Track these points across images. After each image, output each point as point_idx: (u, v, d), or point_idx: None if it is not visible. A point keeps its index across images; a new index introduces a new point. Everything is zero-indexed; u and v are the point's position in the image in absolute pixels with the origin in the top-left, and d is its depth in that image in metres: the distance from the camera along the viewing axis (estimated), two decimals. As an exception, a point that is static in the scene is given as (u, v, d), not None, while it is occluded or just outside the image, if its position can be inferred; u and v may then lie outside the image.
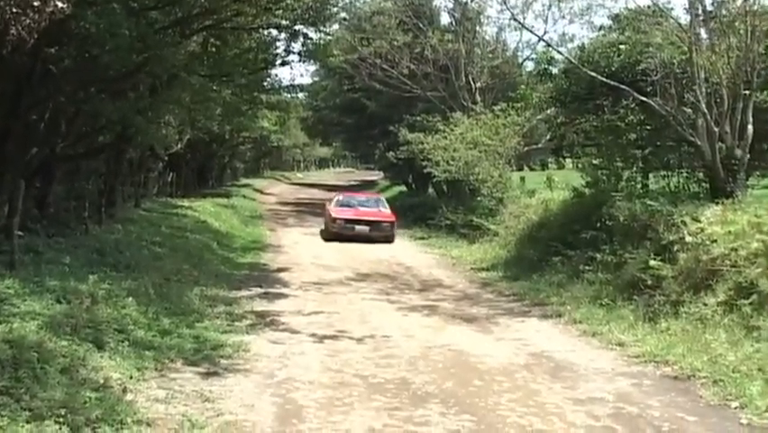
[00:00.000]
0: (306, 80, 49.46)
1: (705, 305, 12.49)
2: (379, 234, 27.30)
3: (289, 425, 8.16)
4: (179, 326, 11.77)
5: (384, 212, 29.11)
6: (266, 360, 10.67)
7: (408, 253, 24.53)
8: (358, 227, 27.15)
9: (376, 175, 70.73)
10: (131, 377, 9.10)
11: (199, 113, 25.58)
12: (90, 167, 22.13)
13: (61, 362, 8.66)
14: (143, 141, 23.04)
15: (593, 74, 18.13)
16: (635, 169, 19.17)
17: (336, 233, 27.21)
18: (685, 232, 14.05)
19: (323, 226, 29.59)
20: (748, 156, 16.05)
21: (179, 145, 30.50)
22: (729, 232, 13.39)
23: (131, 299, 12.13)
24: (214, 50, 18.34)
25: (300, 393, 9.25)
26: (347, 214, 28.06)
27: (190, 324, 12.04)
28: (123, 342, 10.11)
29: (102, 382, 8.61)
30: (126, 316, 11.29)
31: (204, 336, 11.50)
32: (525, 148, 29.14)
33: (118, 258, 15.64)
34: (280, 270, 19.37)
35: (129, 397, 8.47)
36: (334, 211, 28.57)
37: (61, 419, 7.18)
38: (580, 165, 23.06)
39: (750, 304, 11.72)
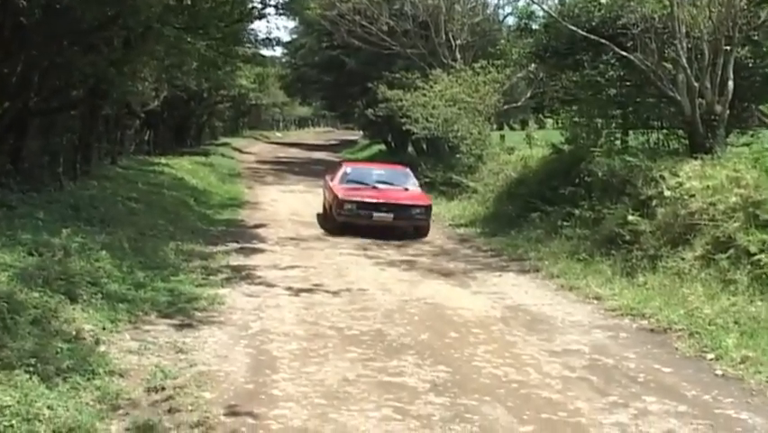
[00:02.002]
0: (284, 36, 49.04)
1: (682, 259, 12.52)
2: (407, 223, 18.95)
3: (263, 375, 8.11)
4: (154, 279, 11.66)
5: (414, 191, 20.05)
6: (240, 312, 10.60)
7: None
8: (377, 214, 18.46)
9: (356, 135, 70.38)
10: (103, 328, 9.03)
11: (175, 68, 25.20)
12: (65, 123, 21.82)
13: (32, 313, 8.56)
14: (119, 96, 22.73)
15: (573, 28, 17.95)
16: (614, 125, 19.10)
17: (345, 222, 18.51)
18: (663, 187, 14.03)
19: (320, 210, 21.50)
20: (728, 112, 15.98)
21: (156, 102, 30.07)
22: (707, 187, 13.39)
23: (105, 252, 11.98)
24: (189, 1, 18.02)
25: (274, 345, 9.20)
26: (361, 194, 18.89)
27: (165, 278, 11.93)
28: (96, 294, 9.99)
29: (74, 333, 8.53)
30: (100, 269, 11.16)
31: (178, 289, 11.40)
32: (505, 106, 29.05)
33: (93, 213, 15.46)
34: (258, 226, 19.25)
35: (101, 348, 8.41)
36: (342, 191, 19.11)
37: (31, 369, 7.08)
38: (560, 123, 22.96)
39: (727, 258, 11.74)
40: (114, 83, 18.87)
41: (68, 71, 18.11)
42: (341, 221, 18.56)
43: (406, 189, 19.91)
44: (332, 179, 20.50)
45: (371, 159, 43.16)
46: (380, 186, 19.73)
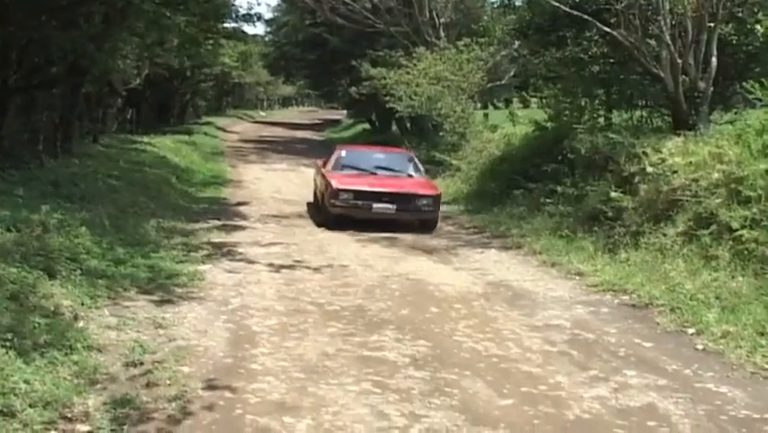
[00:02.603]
0: (267, 14, 48.77)
1: (664, 235, 12.50)
2: (412, 215, 16.64)
3: (242, 350, 8.06)
4: (134, 256, 11.57)
5: (419, 179, 17.87)
6: (221, 288, 10.55)
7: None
8: (378, 206, 16.23)
9: (340, 114, 70.27)
10: (82, 304, 8.93)
11: (156, 45, 24.99)
12: (46, 101, 21.65)
13: (10, 288, 8.46)
14: (100, 74, 22.54)
15: (556, 4, 17.85)
16: (597, 102, 19.08)
17: (341, 214, 16.25)
18: (646, 163, 14.00)
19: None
20: (712, 89, 15.97)
21: (138, 80, 29.80)
22: (690, 163, 13.35)
23: (84, 229, 11.86)
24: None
25: (254, 320, 9.16)
26: (359, 183, 16.73)
27: (145, 254, 11.83)
28: (75, 270, 9.87)
29: (52, 309, 8.43)
30: (79, 245, 11.05)
31: (159, 265, 11.31)
32: (489, 84, 28.93)
33: (73, 190, 15.36)
34: (240, 203, 19.18)
35: (80, 324, 8.32)
36: (336, 178, 16.87)
37: (8, 343, 6.99)
38: (544, 100, 22.91)
39: (709, 234, 11.73)
40: (94, 59, 18.71)
41: (47, 48, 17.95)
42: (335, 213, 16.23)
43: (410, 176, 17.77)
44: (324, 165, 18.21)
45: (355, 138, 43.05)
46: (380, 172, 17.61)
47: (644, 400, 7.17)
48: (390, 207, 16.23)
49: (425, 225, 16.54)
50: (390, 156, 19.36)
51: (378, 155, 19.13)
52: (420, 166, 18.59)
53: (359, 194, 16.22)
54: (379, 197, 16.25)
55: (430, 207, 16.56)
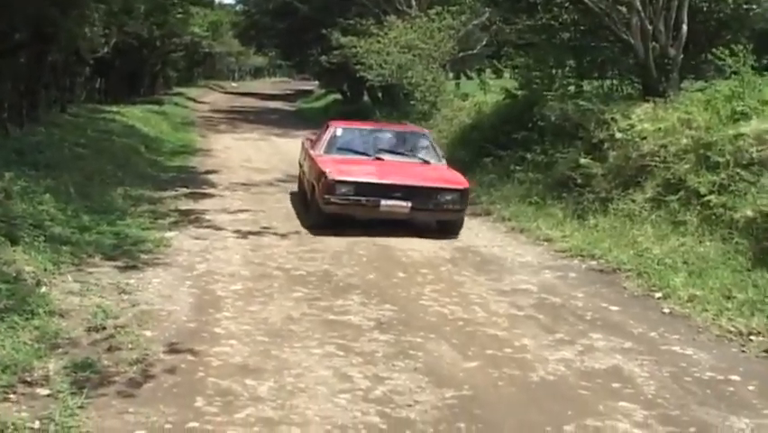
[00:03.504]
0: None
1: (633, 201, 12.55)
2: (430, 215, 13.14)
3: (206, 314, 8.00)
4: (100, 223, 11.46)
5: (438, 166, 14.02)
6: (186, 254, 10.46)
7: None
8: (388, 203, 12.49)
9: (312, 85, 69.96)
10: (45, 270, 8.82)
11: (123, 13, 24.64)
12: (11, 69, 21.30)
13: (-30, 254, 8.36)
14: (66, 42, 22.19)
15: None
16: (568, 69, 19.01)
17: (337, 213, 12.69)
18: (615, 129, 14.04)
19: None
20: (682, 56, 15.94)
21: (106, 49, 29.39)
22: (659, 129, 13.39)
23: (49, 196, 11.72)
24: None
25: (219, 285, 9.08)
26: (362, 172, 13.03)
27: (111, 221, 11.72)
28: (38, 237, 9.72)
29: (14, 274, 8.30)
30: (43, 212, 10.91)
31: (125, 232, 11.21)
32: (461, 53, 28.80)
33: (38, 158, 15.10)
34: (209, 172, 18.99)
35: (42, 289, 8.22)
36: (331, 165, 13.03)
37: (-33, 308, 6.91)
38: (516, 69, 22.80)
39: (677, 199, 11.79)
40: (59, 26, 18.42)
41: (10, 13, 17.63)
42: (329, 212, 12.42)
43: (426, 162, 13.84)
44: (313, 146, 14.50)
45: (327, 109, 42.84)
46: (388, 157, 13.78)
47: (609, 363, 7.17)
48: (404, 204, 12.37)
49: (446, 227, 12.92)
50: (399, 135, 15.09)
51: (383, 134, 15.07)
52: (438, 149, 14.75)
53: (362, 187, 12.39)
54: (388, 191, 12.42)
55: (456, 206, 12.65)
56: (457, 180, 13.18)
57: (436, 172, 13.45)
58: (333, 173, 12.40)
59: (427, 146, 14.48)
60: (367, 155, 13.76)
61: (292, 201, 15.23)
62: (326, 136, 14.31)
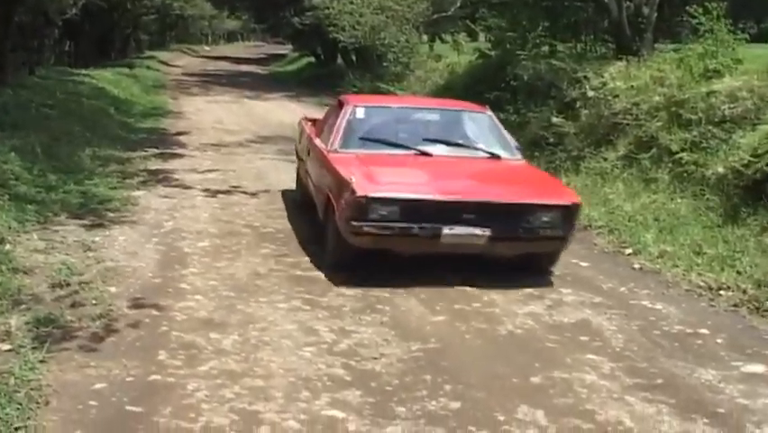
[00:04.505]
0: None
1: (605, 159, 12.58)
2: (519, 247, 8.35)
3: (172, 270, 7.90)
4: (67, 182, 11.29)
5: (516, 163, 9.47)
6: (154, 212, 10.34)
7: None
8: (452, 231, 7.75)
9: (286, 49, 69.33)
10: (9, 228, 8.68)
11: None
12: (-23, 30, 20.97)
13: (-69, 213, 8.22)
14: (33, 2, 21.85)
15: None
16: (541, 29, 18.89)
17: (373, 247, 7.97)
18: (587, 87, 14.02)
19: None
20: (656, 15, 15.88)
21: (75, 11, 28.98)
22: (632, 87, 13.41)
23: (14, 155, 11.59)
24: None
25: (186, 242, 8.98)
26: (409, 182, 8.41)
27: (79, 181, 11.55)
28: (2, 196, 9.62)
29: (-23, 232, 8.20)
30: (8, 171, 10.78)
31: (92, 191, 11.06)
32: (435, 15, 28.60)
33: (3, 118, 14.88)
34: (180, 133, 18.78)
35: (6, 247, 8.08)
36: (358, 172, 8.17)
37: (-73, 266, 6.79)
38: (490, 29, 22.65)
39: (649, 157, 11.83)
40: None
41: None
42: (361, 245, 7.96)
43: (496, 157, 9.34)
44: (321, 135, 10.12)
45: (300, 72, 42.57)
46: (436, 150, 9.23)
47: (577, 317, 7.15)
48: (479, 232, 7.79)
49: (535, 261, 8.60)
50: (449, 116, 10.24)
51: (425, 114, 10.29)
52: (508, 134, 10.09)
53: (412, 208, 7.77)
54: (454, 212, 7.84)
55: (557, 232, 8.14)
56: (558, 191, 8.63)
57: (520, 176, 9.00)
58: (364, 186, 7.70)
59: (492, 131, 9.81)
60: (406, 148, 9.05)
61: (262, 160, 15.03)
62: (342, 121, 9.40)
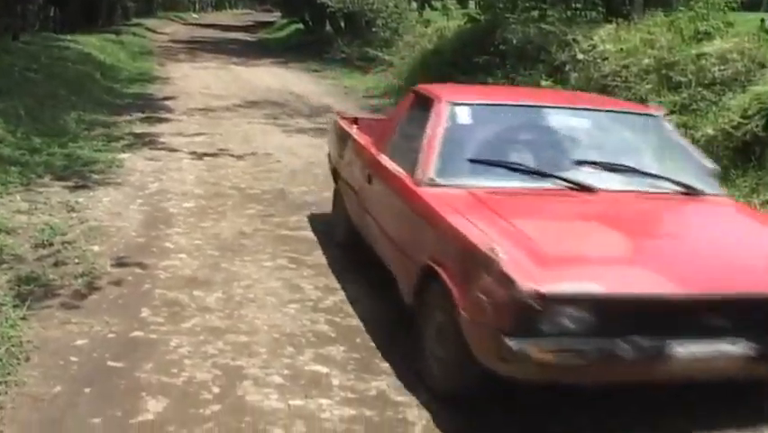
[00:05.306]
0: None
1: (593, 123, 12.41)
2: None
3: (156, 230, 7.83)
4: (51, 145, 11.17)
5: (741, 215, 5.89)
6: (139, 174, 10.23)
7: (301, 82, 23.47)
8: (689, 349, 4.13)
9: (274, 16, 68.90)
10: (-8, 189, 8.60)
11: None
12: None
13: None
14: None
15: None
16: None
17: (537, 378, 4.19)
18: (577, 50, 13.90)
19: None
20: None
21: (60, -25, 28.71)
22: (621, 50, 13.28)
23: (-4, 118, 11.47)
24: None
25: (172, 203, 8.89)
26: (598, 257, 4.51)
27: (63, 144, 11.44)
28: (-16, 158, 9.54)
29: (-42, 194, 8.11)
30: (-9, 134, 10.67)
31: (76, 154, 10.94)
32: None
33: (-14, 83, 14.77)
34: (167, 98, 18.54)
35: (-11, 208, 7.99)
36: (496, 229, 4.61)
37: None
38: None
39: (639, 119, 11.65)
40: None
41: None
42: (514, 375, 4.24)
43: (693, 193, 5.68)
44: (387, 150, 6.46)
45: (288, 38, 42.25)
46: (600, 183, 5.49)
47: None
48: (733, 348, 4.22)
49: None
50: (605, 121, 6.43)
51: (566, 119, 6.30)
52: (695, 150, 6.46)
53: (623, 310, 4.17)
54: (692, 316, 4.27)
55: None
56: None
57: (757, 234, 5.44)
58: (532, 273, 4.16)
59: (671, 145, 6.26)
60: (551, 179, 5.51)
61: (249, 124, 14.86)
62: (437, 131, 5.78)
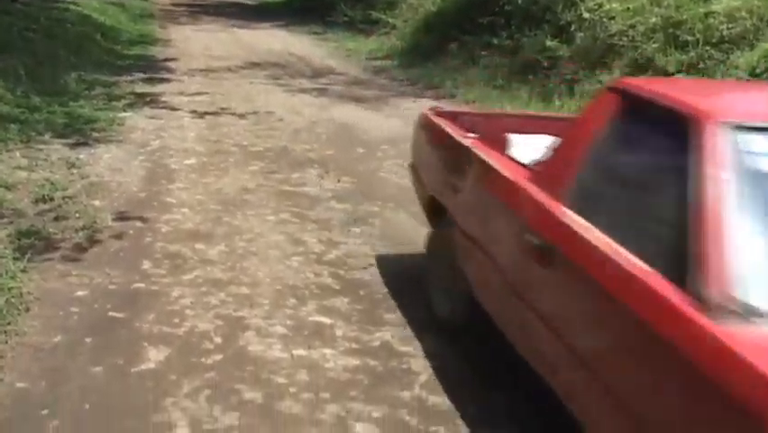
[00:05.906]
0: None
1: (600, 82, 12.28)
2: None
3: (157, 185, 7.75)
4: (51, 104, 11.03)
5: None
6: (140, 132, 10.12)
7: (303, 45, 23.27)
8: None
9: (277, -19, 68.46)
10: (-10, 146, 8.51)
11: None
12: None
13: None
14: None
15: None
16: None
17: None
18: (582, 9, 13.75)
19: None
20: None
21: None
22: (628, 8, 13.16)
23: (-5, 76, 11.35)
24: None
25: (173, 159, 8.80)
26: None
27: (64, 102, 11.30)
28: (-17, 115, 9.43)
29: (-43, 150, 8.01)
30: (-11, 92, 10.56)
31: (77, 112, 10.82)
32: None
33: (-16, 43, 14.62)
34: (168, 60, 18.40)
35: (-12, 164, 7.91)
36: None
37: None
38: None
39: (645, 79, 11.56)
40: None
41: None
42: None
43: None
44: (555, 183, 3.61)
45: (290, 2, 41.77)
46: None
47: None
48: None
49: None
50: None
51: None
52: None
53: None
54: None
55: None
56: None
57: None
58: None
59: None
60: None
61: (251, 84, 14.72)
62: (722, 193, 2.73)
